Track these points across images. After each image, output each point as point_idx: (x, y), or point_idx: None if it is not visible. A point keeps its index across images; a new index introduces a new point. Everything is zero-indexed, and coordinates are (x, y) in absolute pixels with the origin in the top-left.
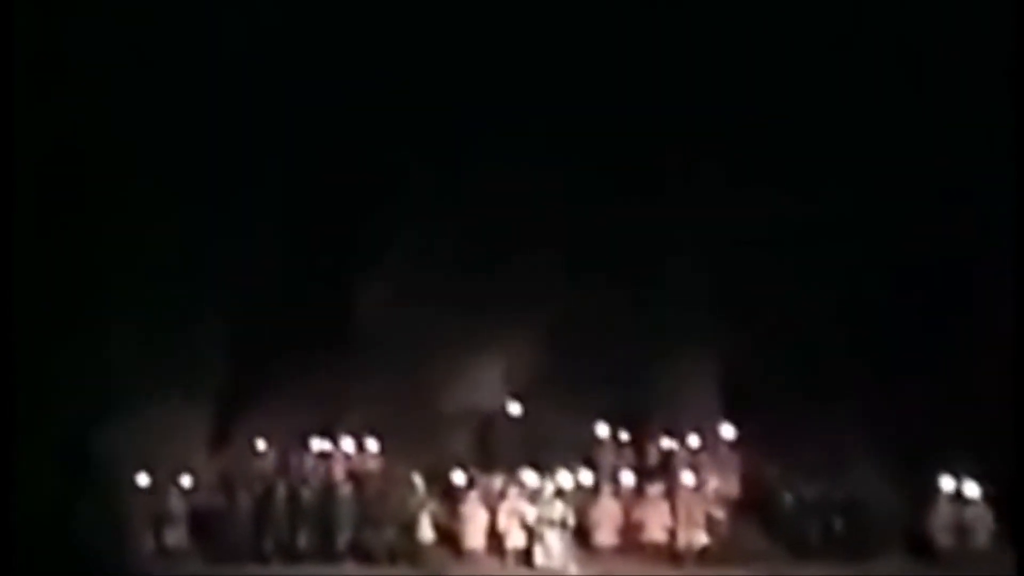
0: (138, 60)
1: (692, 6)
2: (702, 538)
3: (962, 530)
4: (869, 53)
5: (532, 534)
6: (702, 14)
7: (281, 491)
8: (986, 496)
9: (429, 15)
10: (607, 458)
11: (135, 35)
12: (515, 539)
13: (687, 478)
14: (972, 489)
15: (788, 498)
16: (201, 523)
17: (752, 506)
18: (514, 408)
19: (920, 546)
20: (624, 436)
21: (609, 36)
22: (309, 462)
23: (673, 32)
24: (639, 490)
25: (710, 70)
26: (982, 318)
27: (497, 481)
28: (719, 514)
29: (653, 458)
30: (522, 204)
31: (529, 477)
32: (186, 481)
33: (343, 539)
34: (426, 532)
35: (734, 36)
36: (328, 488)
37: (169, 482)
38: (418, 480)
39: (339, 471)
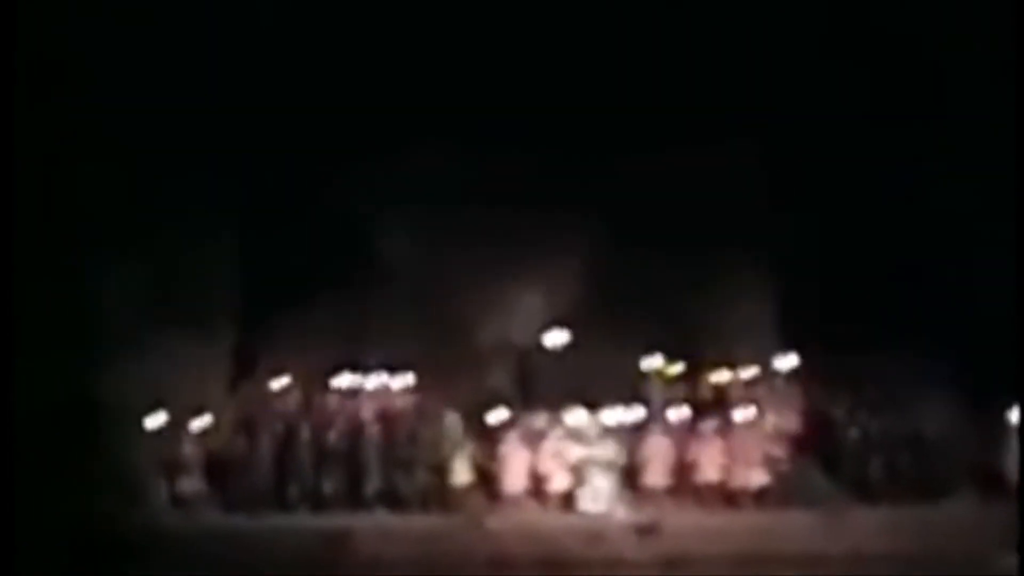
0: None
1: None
2: (760, 478)
3: None
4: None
5: (577, 476)
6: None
7: (305, 433)
8: None
9: None
10: (657, 393)
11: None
12: (558, 482)
13: (743, 413)
14: None
15: (852, 434)
16: (219, 469)
17: (813, 443)
18: (557, 340)
19: (991, 483)
20: (675, 369)
21: None
22: (334, 401)
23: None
24: (692, 427)
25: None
26: None
27: (539, 419)
28: (778, 452)
29: (706, 392)
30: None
31: (573, 415)
32: (201, 423)
33: (372, 484)
34: (461, 475)
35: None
36: (355, 429)
37: (183, 425)
38: (452, 419)
39: (367, 411)
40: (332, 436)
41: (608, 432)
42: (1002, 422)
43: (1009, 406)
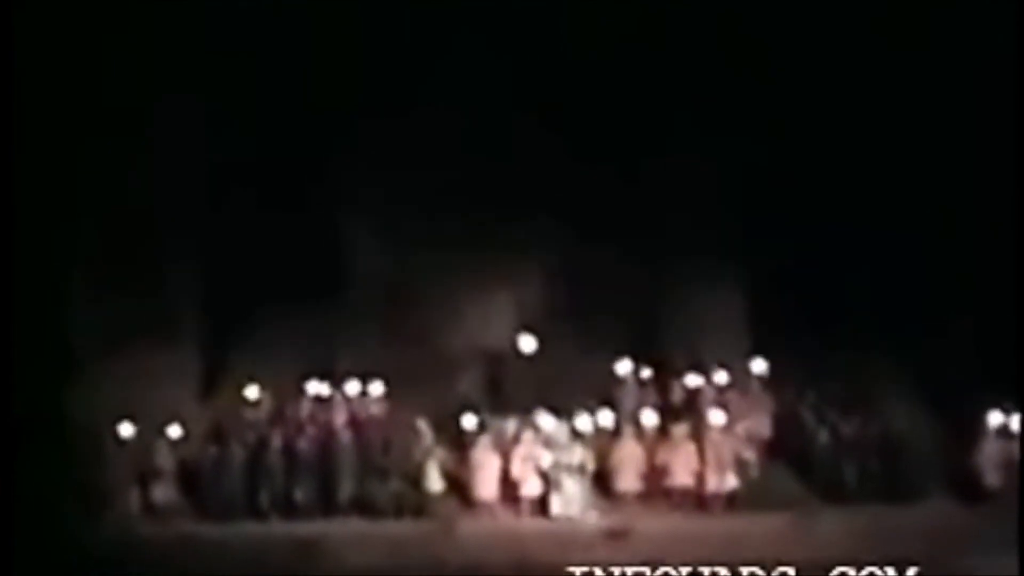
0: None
1: None
2: (731, 482)
3: (1011, 468)
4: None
5: (548, 481)
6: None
7: (276, 441)
8: None
9: None
10: (628, 397)
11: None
12: (530, 487)
13: (715, 417)
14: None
15: (823, 437)
16: (191, 478)
17: (784, 447)
18: (527, 345)
19: (965, 486)
20: (646, 373)
21: None
22: (306, 409)
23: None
24: (663, 431)
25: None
26: None
27: (510, 425)
28: (749, 456)
29: (678, 396)
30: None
31: (544, 420)
32: (174, 432)
33: (345, 492)
34: (434, 482)
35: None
36: (327, 437)
37: (155, 434)
38: (424, 426)
39: (339, 418)
40: (303, 444)
41: (579, 437)
42: (975, 424)
43: (983, 407)
